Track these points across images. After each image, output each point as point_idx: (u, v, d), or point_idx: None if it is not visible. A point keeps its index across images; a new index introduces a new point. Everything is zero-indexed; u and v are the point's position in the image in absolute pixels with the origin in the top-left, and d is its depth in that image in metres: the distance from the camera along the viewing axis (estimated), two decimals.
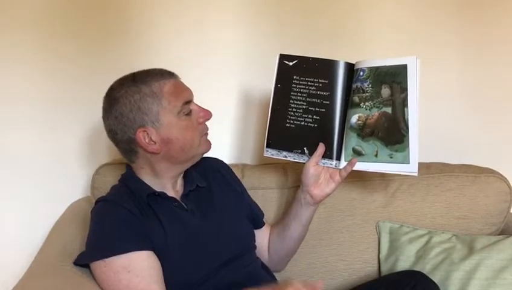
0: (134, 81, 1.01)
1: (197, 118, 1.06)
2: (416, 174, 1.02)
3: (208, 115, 1.07)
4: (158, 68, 1.05)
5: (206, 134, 1.09)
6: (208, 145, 1.09)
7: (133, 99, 0.99)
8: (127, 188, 1.06)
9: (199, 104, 1.08)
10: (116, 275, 0.93)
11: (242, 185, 1.24)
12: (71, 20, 1.38)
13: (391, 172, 1.05)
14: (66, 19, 1.38)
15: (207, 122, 1.09)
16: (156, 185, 1.06)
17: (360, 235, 1.30)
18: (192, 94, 1.06)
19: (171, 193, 1.07)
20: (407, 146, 1.01)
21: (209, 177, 1.16)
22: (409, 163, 1.02)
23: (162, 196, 1.05)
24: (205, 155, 1.21)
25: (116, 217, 0.99)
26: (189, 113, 1.04)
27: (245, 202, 1.21)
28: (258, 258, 1.16)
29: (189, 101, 1.04)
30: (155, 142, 1.01)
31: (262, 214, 1.24)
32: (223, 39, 1.45)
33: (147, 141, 1.00)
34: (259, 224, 1.22)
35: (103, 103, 1.04)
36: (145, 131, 1.00)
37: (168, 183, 1.08)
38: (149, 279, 0.94)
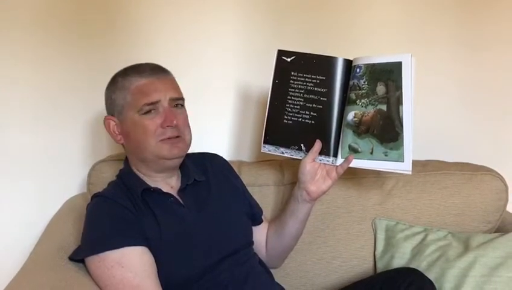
0: (121, 72, 1.06)
1: (161, 122, 1.02)
2: (410, 173, 1.02)
3: (169, 122, 1.01)
4: (153, 64, 1.07)
5: (169, 138, 1.02)
6: (170, 150, 1.03)
7: (110, 89, 1.07)
8: (123, 184, 1.06)
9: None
10: (110, 271, 0.93)
11: (241, 181, 1.24)
12: (68, 17, 1.38)
13: (386, 170, 1.05)
14: (64, 17, 1.37)
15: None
16: (149, 180, 1.07)
17: (356, 232, 1.30)
18: (168, 97, 1.02)
19: (166, 189, 1.07)
20: (402, 144, 1.01)
21: (208, 172, 1.16)
22: (403, 161, 1.02)
23: (158, 191, 1.05)
24: (204, 151, 1.22)
25: (111, 213, 0.99)
26: (151, 113, 1.01)
27: (244, 198, 1.21)
28: (255, 254, 1.16)
29: (155, 102, 1.02)
30: (119, 134, 1.06)
31: (261, 211, 1.24)
32: (221, 35, 1.44)
33: (113, 130, 1.06)
34: (258, 221, 1.22)
35: None
36: (112, 120, 1.06)
37: (160, 181, 1.08)
38: (143, 274, 0.94)
